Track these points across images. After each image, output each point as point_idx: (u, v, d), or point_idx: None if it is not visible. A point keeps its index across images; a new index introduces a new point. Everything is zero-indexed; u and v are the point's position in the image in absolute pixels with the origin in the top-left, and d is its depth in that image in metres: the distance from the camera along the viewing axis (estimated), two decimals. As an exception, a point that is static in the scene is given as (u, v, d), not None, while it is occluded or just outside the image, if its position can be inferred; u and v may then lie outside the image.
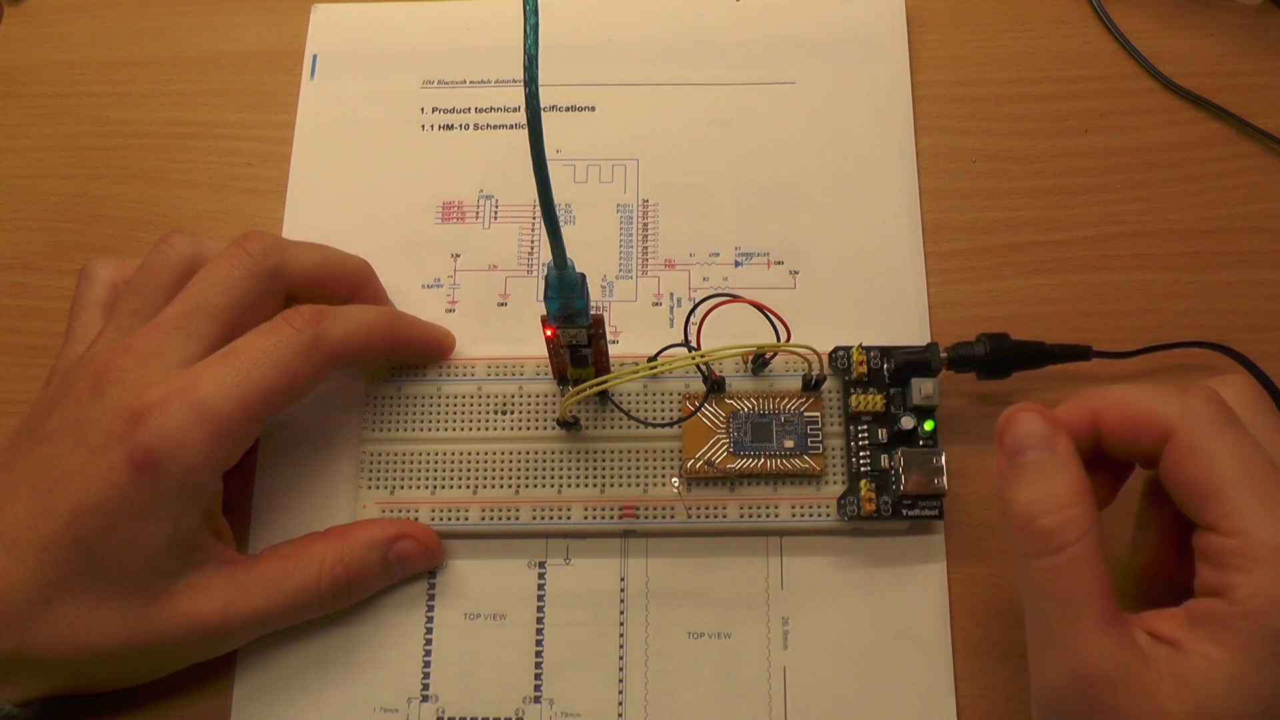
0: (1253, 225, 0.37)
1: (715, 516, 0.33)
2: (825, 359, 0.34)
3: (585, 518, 0.33)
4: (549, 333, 0.30)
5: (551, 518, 0.33)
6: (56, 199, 0.40)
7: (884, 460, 0.33)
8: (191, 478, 0.28)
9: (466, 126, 0.40)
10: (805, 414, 0.33)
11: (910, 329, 0.36)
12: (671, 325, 0.36)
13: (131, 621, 0.29)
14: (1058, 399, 0.35)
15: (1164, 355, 0.35)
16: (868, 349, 0.34)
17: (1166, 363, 0.35)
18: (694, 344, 0.32)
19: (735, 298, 0.33)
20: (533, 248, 0.38)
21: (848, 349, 0.34)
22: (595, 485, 0.33)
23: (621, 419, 0.34)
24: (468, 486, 0.33)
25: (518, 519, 0.33)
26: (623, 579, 0.33)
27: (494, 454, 0.34)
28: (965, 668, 0.32)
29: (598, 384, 0.31)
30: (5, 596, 0.28)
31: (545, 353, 0.33)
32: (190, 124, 0.40)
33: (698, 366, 0.33)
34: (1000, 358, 0.33)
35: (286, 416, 0.35)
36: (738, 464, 0.33)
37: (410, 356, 0.35)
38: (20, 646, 0.28)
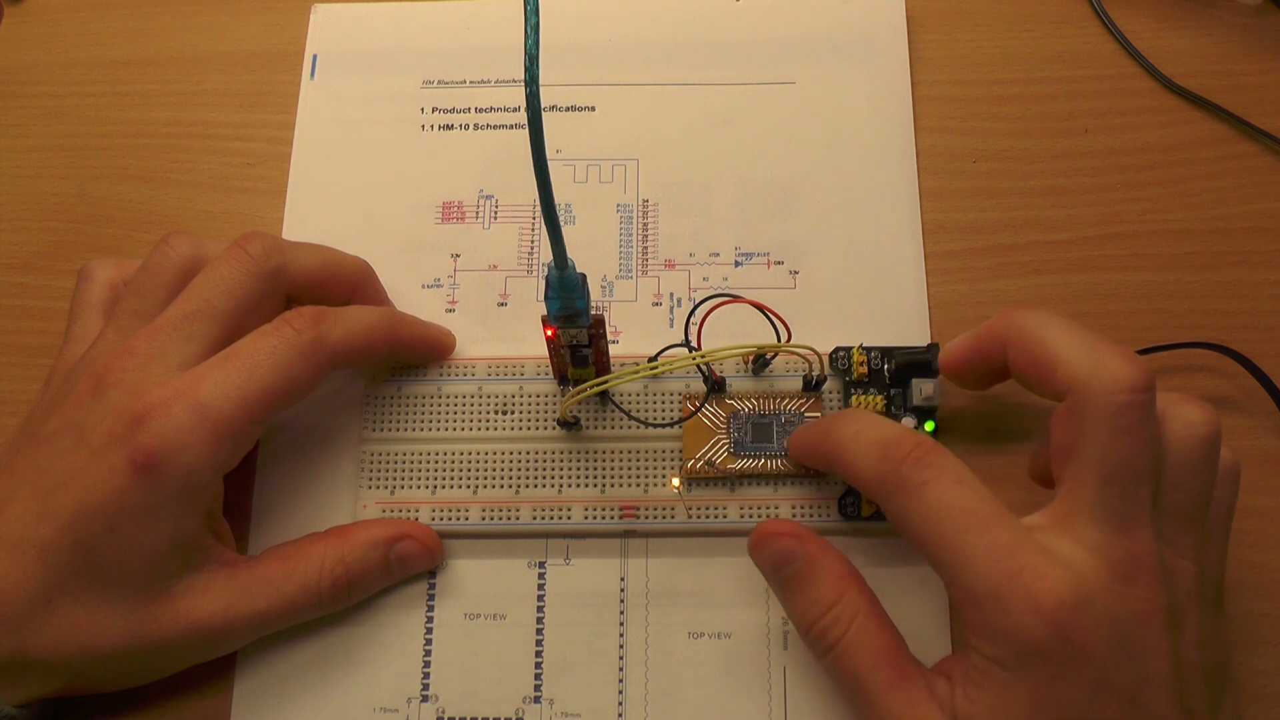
0: (1253, 225, 0.37)
1: (715, 517, 0.33)
2: (826, 359, 0.34)
3: (585, 518, 0.33)
4: (549, 333, 0.30)
5: (551, 518, 0.33)
6: (56, 199, 0.40)
7: (884, 460, 0.33)
8: (192, 479, 0.28)
9: (466, 126, 0.40)
10: (806, 414, 0.33)
11: (910, 329, 0.36)
12: (671, 325, 0.36)
13: (132, 623, 0.29)
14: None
15: (1164, 355, 0.35)
16: (868, 349, 0.34)
17: (1167, 363, 0.35)
18: (694, 344, 0.32)
19: (735, 298, 0.33)
20: (533, 248, 0.38)
21: (848, 349, 0.34)
22: (595, 485, 0.33)
23: (622, 419, 0.34)
24: (468, 486, 0.33)
25: (518, 519, 0.33)
26: (623, 579, 0.33)
27: (494, 454, 0.34)
28: (965, 668, 0.32)
29: (598, 384, 0.31)
30: (6, 598, 0.28)
31: (545, 353, 0.33)
32: (190, 124, 0.40)
33: (698, 367, 0.33)
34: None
35: (287, 417, 0.35)
36: (738, 464, 0.33)
37: (411, 357, 0.35)
38: (20, 648, 0.28)
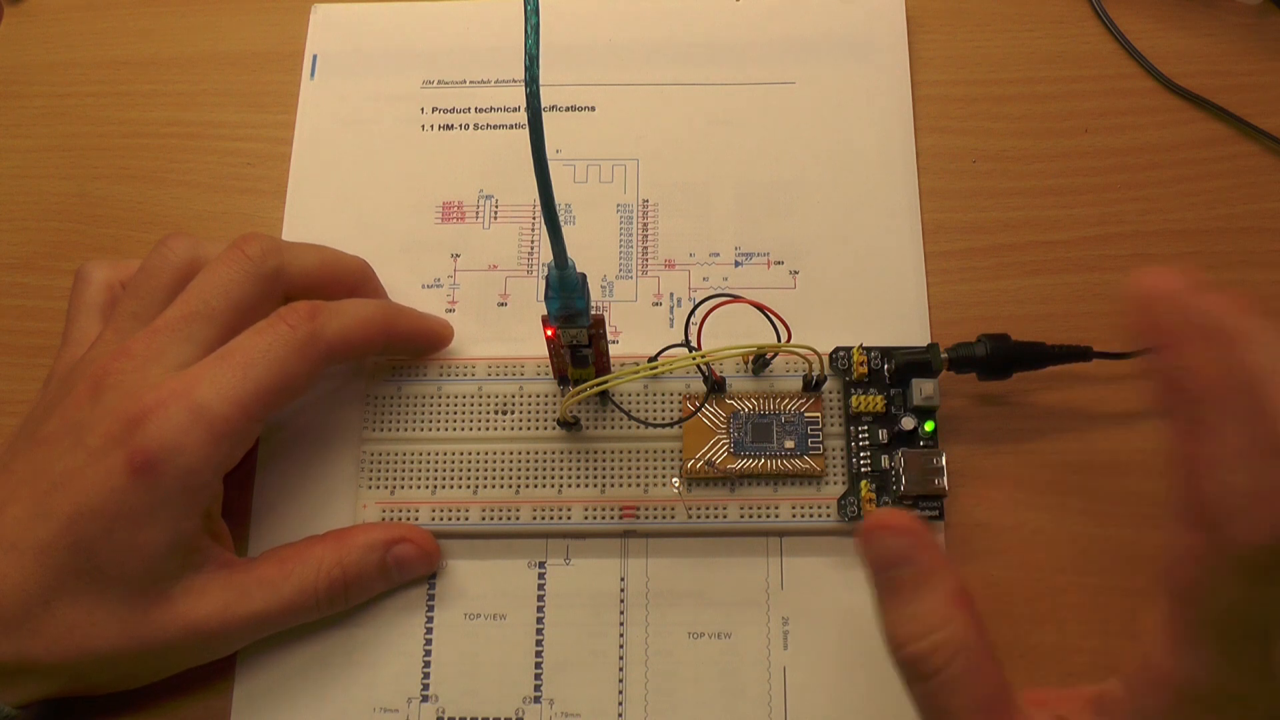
0: (1253, 225, 0.37)
1: (715, 517, 0.33)
2: (826, 359, 0.34)
3: (585, 518, 0.33)
4: (549, 333, 0.30)
5: (551, 518, 0.33)
6: (56, 199, 0.40)
7: (884, 461, 0.33)
8: (190, 480, 0.28)
9: (466, 126, 0.40)
10: (806, 414, 0.33)
11: (910, 329, 0.36)
12: (671, 325, 0.36)
13: (130, 624, 0.29)
14: (1058, 400, 0.35)
15: (1164, 355, 0.35)
16: (868, 349, 0.34)
17: (1167, 363, 0.35)
18: (694, 344, 0.32)
19: (735, 298, 0.33)
20: (533, 248, 0.38)
21: (848, 349, 0.34)
22: (595, 485, 0.33)
23: (622, 419, 0.34)
24: (468, 486, 0.33)
25: (518, 519, 0.33)
26: (623, 579, 0.33)
27: (494, 454, 0.34)
28: (965, 668, 0.32)
29: (598, 384, 0.31)
30: (4, 600, 0.28)
31: (545, 353, 0.33)
32: (190, 124, 0.40)
33: (698, 366, 0.33)
34: (1001, 359, 0.33)
35: (286, 417, 0.35)
36: (738, 464, 0.33)
37: (408, 349, 0.35)
38: (19, 649, 0.28)
